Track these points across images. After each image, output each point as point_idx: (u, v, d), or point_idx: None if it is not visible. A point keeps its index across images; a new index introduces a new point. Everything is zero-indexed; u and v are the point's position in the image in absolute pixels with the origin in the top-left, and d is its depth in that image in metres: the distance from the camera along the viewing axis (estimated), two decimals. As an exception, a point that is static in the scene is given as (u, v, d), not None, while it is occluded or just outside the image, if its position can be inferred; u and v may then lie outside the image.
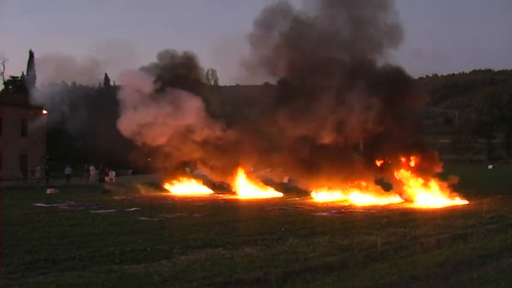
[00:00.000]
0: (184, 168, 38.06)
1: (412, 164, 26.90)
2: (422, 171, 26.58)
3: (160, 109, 31.89)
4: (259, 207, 24.09)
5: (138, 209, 23.12)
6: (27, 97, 38.88)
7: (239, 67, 32.51)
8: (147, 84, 32.27)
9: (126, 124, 31.31)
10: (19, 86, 63.48)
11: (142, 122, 31.52)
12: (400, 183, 27.26)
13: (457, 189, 26.00)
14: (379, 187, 27.85)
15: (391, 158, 27.63)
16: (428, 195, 25.87)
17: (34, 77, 54.11)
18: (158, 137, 31.87)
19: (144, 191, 32.93)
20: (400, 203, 25.75)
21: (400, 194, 27.01)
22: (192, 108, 32.20)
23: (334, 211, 22.47)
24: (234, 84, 36.55)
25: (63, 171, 45.04)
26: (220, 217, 20.18)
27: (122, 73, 35.04)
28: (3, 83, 71.34)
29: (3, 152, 45.43)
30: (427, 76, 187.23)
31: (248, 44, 30.82)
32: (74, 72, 36.74)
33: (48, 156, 51.07)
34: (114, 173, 43.12)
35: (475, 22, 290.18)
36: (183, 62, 35.67)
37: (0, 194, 26.80)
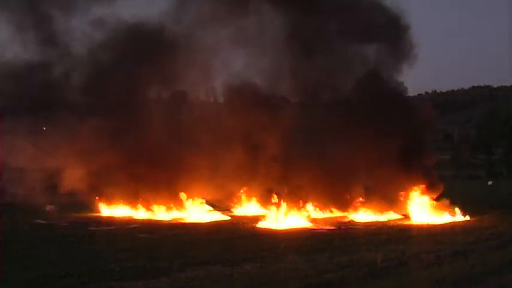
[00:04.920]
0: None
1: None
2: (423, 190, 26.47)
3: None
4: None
5: (137, 226, 23.04)
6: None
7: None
8: None
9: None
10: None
11: None
12: (399, 200, 27.15)
13: (456, 205, 25.89)
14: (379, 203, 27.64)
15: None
16: (428, 212, 25.78)
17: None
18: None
19: None
20: (399, 220, 25.66)
21: (400, 211, 26.89)
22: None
23: (333, 228, 22.42)
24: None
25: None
26: (219, 234, 20.13)
27: None
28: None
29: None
30: (426, 93, 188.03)
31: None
32: None
33: None
34: None
35: (473, 38, 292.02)
36: None
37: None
